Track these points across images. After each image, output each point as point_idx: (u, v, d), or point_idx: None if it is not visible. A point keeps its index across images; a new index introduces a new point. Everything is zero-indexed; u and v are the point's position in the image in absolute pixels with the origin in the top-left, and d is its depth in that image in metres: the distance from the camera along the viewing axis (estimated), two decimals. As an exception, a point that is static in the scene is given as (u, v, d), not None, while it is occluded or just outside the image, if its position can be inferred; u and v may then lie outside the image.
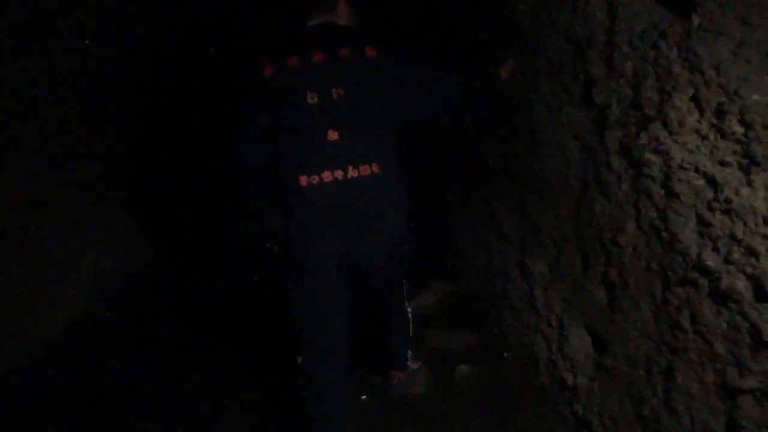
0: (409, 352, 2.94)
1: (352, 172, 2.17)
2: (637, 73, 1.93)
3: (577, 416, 2.45)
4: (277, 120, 2.21)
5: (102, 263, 4.44)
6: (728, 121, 1.60)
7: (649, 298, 1.96)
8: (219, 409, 3.01)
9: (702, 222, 1.70)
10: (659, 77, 1.83)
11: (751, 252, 1.55)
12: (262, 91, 2.22)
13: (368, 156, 2.19)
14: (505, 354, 3.10)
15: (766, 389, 1.58)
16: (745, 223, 1.57)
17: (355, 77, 2.19)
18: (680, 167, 1.75)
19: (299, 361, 2.46)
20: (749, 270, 1.56)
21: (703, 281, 1.71)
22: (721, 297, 1.65)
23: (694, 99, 1.70)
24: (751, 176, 1.56)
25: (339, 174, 2.16)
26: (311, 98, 2.16)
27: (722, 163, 1.63)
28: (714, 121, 1.65)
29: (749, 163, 1.56)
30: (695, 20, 1.67)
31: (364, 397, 2.94)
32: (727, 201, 1.61)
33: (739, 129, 1.58)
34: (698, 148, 1.71)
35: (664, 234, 1.85)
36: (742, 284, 1.58)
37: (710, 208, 1.67)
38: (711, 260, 1.67)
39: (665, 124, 1.80)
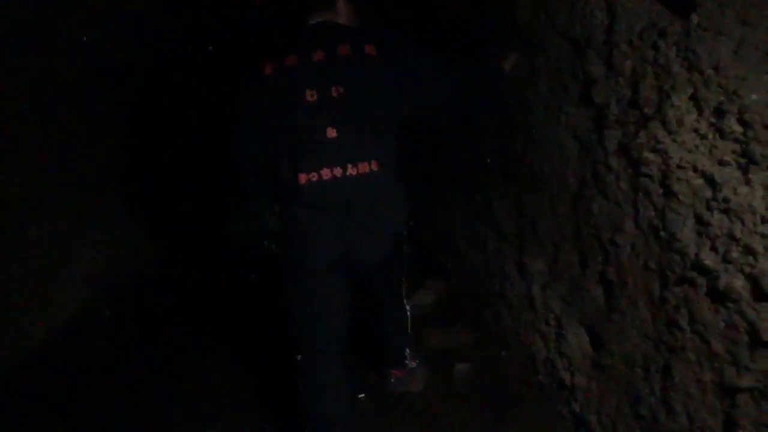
0: (407, 350, 2.94)
1: (351, 170, 2.17)
2: (636, 73, 1.93)
3: (575, 415, 2.46)
4: (277, 118, 2.21)
5: (100, 262, 4.44)
6: (727, 121, 1.60)
7: (647, 297, 1.96)
8: (218, 408, 3.01)
9: (700, 221, 1.70)
10: (658, 76, 1.82)
11: (749, 251, 1.55)
12: (261, 89, 2.21)
13: (367, 153, 2.19)
14: (503, 353, 3.10)
15: (763, 388, 1.58)
16: (743, 223, 1.57)
17: (355, 75, 2.19)
18: (679, 166, 1.75)
19: (298, 359, 2.46)
20: (747, 269, 1.56)
21: (702, 280, 1.71)
22: (719, 296, 1.65)
23: (693, 98, 1.70)
24: (750, 175, 1.56)
25: (338, 171, 2.16)
26: (310, 96, 2.16)
27: (721, 163, 1.63)
28: (713, 120, 1.65)
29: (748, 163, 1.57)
30: (694, 19, 1.67)
31: (362, 395, 2.94)
32: (726, 200, 1.61)
33: (737, 128, 1.58)
34: (697, 147, 1.71)
35: (662, 233, 1.85)
36: (740, 283, 1.58)
37: (709, 208, 1.67)
38: (709, 259, 1.67)
39: (664, 124, 1.80)
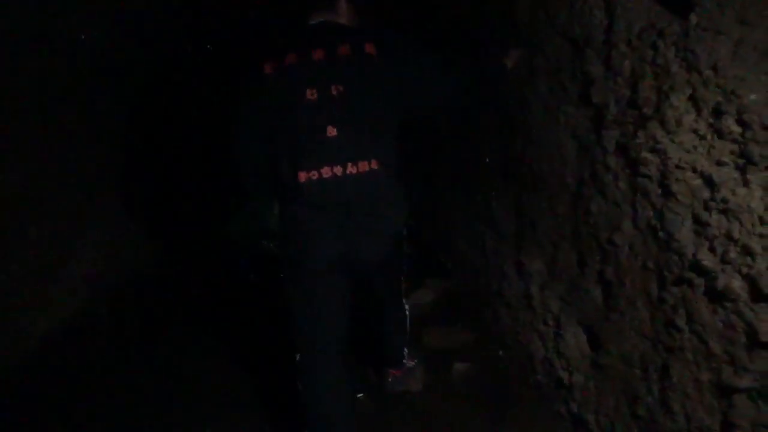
0: (406, 350, 2.95)
1: (351, 168, 2.17)
2: (635, 73, 1.93)
3: (573, 414, 2.46)
4: (277, 117, 2.21)
5: (100, 262, 4.44)
6: (725, 121, 1.60)
7: (646, 297, 1.96)
8: (218, 408, 3.01)
9: (698, 221, 1.70)
10: (657, 76, 1.83)
11: (747, 252, 1.56)
12: (262, 88, 2.21)
13: (367, 152, 2.19)
14: (502, 352, 3.10)
15: (761, 388, 1.59)
16: (741, 223, 1.57)
17: (355, 74, 2.18)
18: (677, 167, 1.75)
19: (298, 359, 2.46)
20: (745, 270, 1.56)
21: (699, 281, 1.71)
22: (717, 296, 1.65)
23: (692, 98, 1.70)
24: (748, 176, 1.56)
25: (338, 170, 2.16)
26: (311, 95, 2.16)
27: (719, 163, 1.64)
28: (711, 120, 1.65)
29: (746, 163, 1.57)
30: (693, 19, 1.67)
31: (360, 395, 2.94)
32: (724, 201, 1.61)
33: (736, 129, 1.58)
34: (695, 147, 1.71)
35: (660, 233, 1.85)
36: (738, 284, 1.58)
37: (707, 208, 1.67)
38: (707, 260, 1.67)
39: (662, 124, 1.80)
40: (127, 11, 4.41)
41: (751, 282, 1.55)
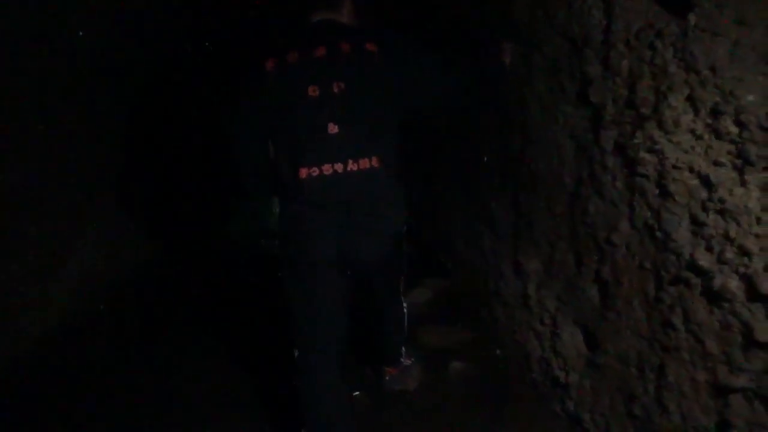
0: (403, 348, 2.95)
1: (351, 165, 2.17)
2: (633, 73, 1.93)
3: (570, 413, 2.46)
4: (278, 113, 2.21)
5: (100, 262, 4.44)
6: (723, 122, 1.60)
7: (642, 296, 1.96)
8: (218, 408, 3.00)
9: (695, 221, 1.71)
10: (655, 77, 1.83)
11: (743, 252, 1.56)
12: (262, 84, 2.21)
13: (368, 150, 2.19)
14: (498, 351, 3.11)
15: (757, 388, 1.59)
16: (738, 223, 1.58)
17: (356, 72, 2.19)
18: (675, 167, 1.76)
19: (296, 357, 2.46)
20: (742, 270, 1.57)
21: (696, 280, 1.72)
22: (714, 296, 1.65)
23: (690, 99, 1.71)
24: (745, 176, 1.57)
25: (339, 167, 2.16)
26: (312, 92, 2.16)
27: (716, 163, 1.64)
28: (709, 121, 1.65)
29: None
30: (692, 20, 1.67)
31: (357, 393, 2.94)
32: (721, 201, 1.61)
33: (733, 129, 1.58)
34: (693, 147, 1.71)
35: (657, 233, 1.85)
36: (734, 284, 1.59)
37: (704, 208, 1.68)
38: (704, 260, 1.67)
39: (660, 124, 1.80)
40: (127, 11, 4.41)
41: (748, 282, 1.55)
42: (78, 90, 4.04)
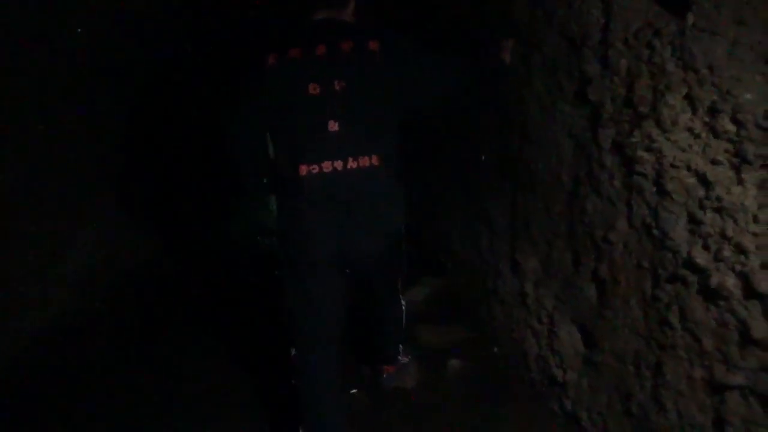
0: (401, 346, 2.95)
1: (351, 163, 2.17)
2: (631, 71, 1.94)
3: (567, 412, 2.47)
4: (278, 109, 2.21)
5: (100, 261, 4.44)
6: (721, 120, 1.61)
7: (639, 295, 1.97)
8: (217, 406, 3.00)
9: (693, 220, 1.72)
10: (653, 75, 1.83)
11: (740, 250, 1.57)
12: (263, 80, 2.22)
13: (368, 148, 2.20)
14: (496, 349, 3.11)
15: (753, 386, 1.60)
16: (735, 221, 1.58)
17: (357, 70, 2.19)
18: (672, 165, 1.77)
19: (292, 353, 2.47)
20: (738, 268, 1.58)
21: (693, 278, 1.72)
22: (711, 294, 1.66)
23: (688, 97, 1.71)
24: (742, 175, 1.57)
25: (338, 164, 2.17)
26: (313, 89, 2.17)
27: (714, 162, 1.65)
28: (707, 119, 1.66)
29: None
30: (690, 19, 1.68)
31: (354, 391, 2.95)
32: (718, 199, 1.62)
33: (731, 128, 1.59)
34: (690, 146, 1.72)
35: (655, 231, 1.86)
36: (731, 282, 1.60)
37: (701, 206, 1.68)
38: (701, 258, 1.68)
39: (658, 123, 1.81)
40: (127, 11, 4.41)
41: (745, 280, 1.56)
42: (78, 90, 4.04)
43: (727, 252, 1.61)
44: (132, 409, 3.04)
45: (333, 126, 2.17)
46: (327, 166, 2.16)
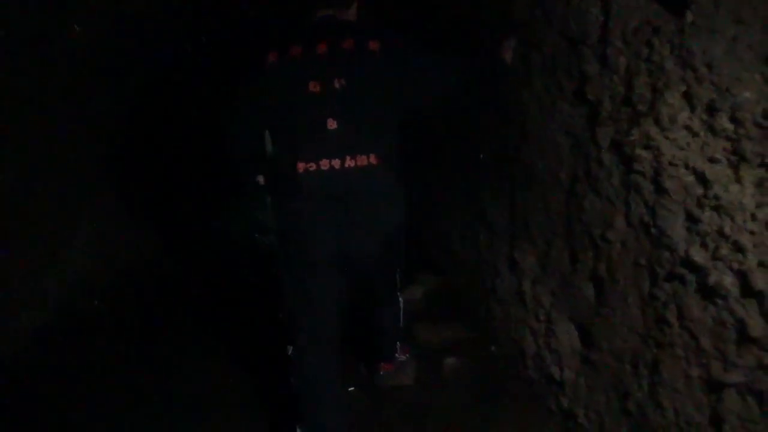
0: (398, 344, 2.95)
1: (349, 162, 2.18)
2: (630, 70, 1.94)
3: (564, 410, 2.47)
4: (277, 106, 2.22)
5: (100, 261, 4.44)
6: (719, 118, 1.61)
7: (637, 293, 1.97)
8: (217, 406, 3.00)
9: (691, 218, 1.72)
10: (652, 74, 1.83)
11: (738, 248, 1.57)
12: (263, 77, 2.23)
13: (366, 147, 2.20)
14: (493, 348, 3.11)
15: (750, 384, 1.60)
16: (733, 220, 1.58)
17: (358, 69, 2.20)
18: (670, 163, 1.77)
19: (290, 351, 2.47)
20: (736, 266, 1.58)
21: (691, 277, 1.72)
22: (708, 292, 1.66)
23: (686, 96, 1.71)
24: (741, 173, 1.57)
25: (336, 163, 2.17)
26: (313, 87, 2.18)
27: (712, 160, 1.65)
28: (705, 117, 1.66)
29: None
30: (689, 17, 1.68)
31: (352, 388, 2.94)
32: (716, 197, 1.62)
33: (729, 126, 1.59)
34: (689, 144, 1.72)
35: (652, 230, 1.86)
36: (729, 280, 1.60)
37: (699, 205, 1.68)
38: (699, 256, 1.68)
39: (656, 121, 1.81)
40: (127, 11, 4.41)
41: (742, 278, 1.56)
42: (78, 90, 4.04)
43: (724, 250, 1.61)
44: (132, 408, 3.03)
45: (332, 124, 2.18)
46: (325, 164, 2.17)
